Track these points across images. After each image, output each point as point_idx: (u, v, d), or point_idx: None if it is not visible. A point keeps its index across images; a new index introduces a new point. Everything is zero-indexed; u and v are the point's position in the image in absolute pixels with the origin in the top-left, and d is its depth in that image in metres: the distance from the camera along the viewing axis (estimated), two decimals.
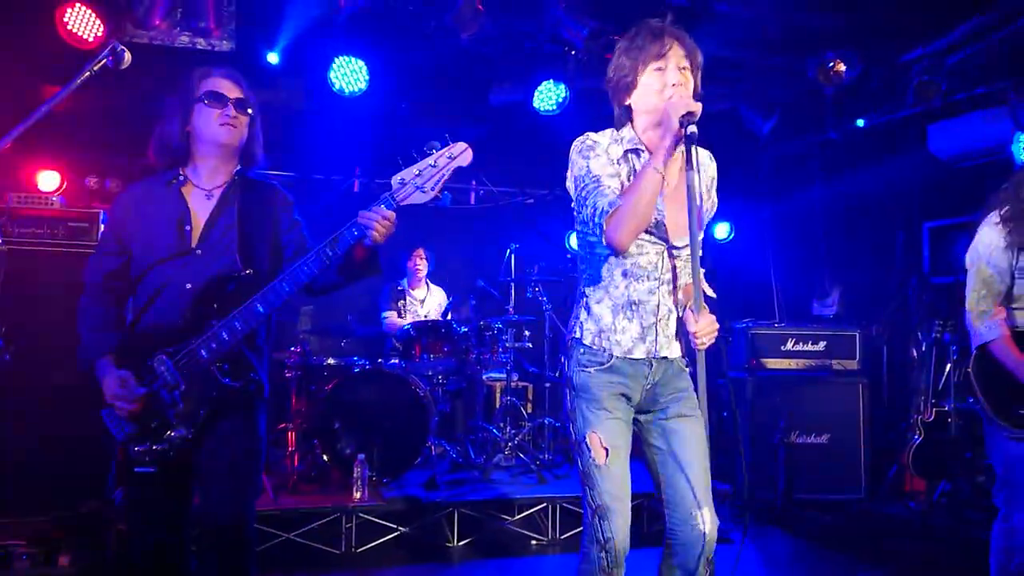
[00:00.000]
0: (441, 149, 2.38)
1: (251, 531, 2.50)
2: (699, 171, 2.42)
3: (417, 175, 2.37)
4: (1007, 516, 3.12)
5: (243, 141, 2.62)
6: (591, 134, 2.43)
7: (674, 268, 2.43)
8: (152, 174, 2.63)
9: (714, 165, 2.56)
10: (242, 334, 2.41)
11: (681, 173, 2.40)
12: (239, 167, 2.66)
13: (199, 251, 2.51)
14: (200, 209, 2.56)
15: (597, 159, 2.37)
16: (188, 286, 2.46)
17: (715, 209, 2.59)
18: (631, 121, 2.44)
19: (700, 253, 2.41)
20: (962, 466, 5.46)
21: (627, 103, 2.42)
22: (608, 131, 2.46)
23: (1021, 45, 4.92)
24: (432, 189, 2.36)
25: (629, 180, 2.36)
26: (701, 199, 2.41)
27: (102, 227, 4.67)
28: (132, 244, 2.54)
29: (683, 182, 2.37)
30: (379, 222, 2.37)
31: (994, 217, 3.14)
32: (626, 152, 2.40)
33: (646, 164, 2.26)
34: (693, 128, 2.18)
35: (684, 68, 2.34)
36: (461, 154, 2.38)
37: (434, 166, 2.36)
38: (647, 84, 2.35)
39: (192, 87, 2.55)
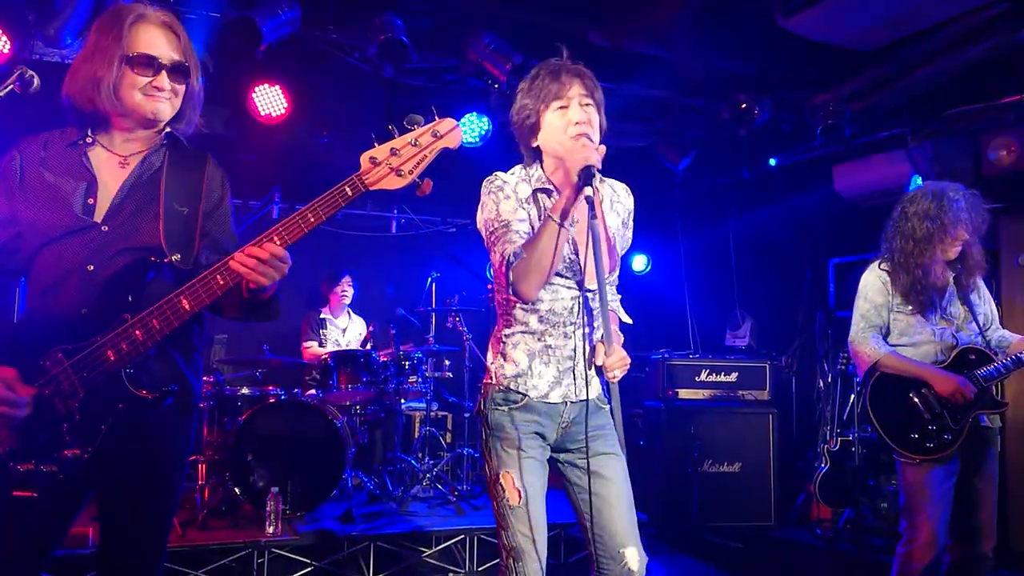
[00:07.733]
0: (425, 125, 1.97)
1: None
2: (613, 206, 2.47)
3: (392, 154, 1.94)
4: (908, 542, 3.24)
5: (173, 110, 2.15)
6: (500, 174, 2.40)
7: (590, 311, 2.40)
8: (58, 128, 2.16)
9: (631, 199, 2.55)
10: (161, 335, 1.94)
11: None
12: (167, 130, 2.19)
13: (105, 227, 2.04)
14: (110, 178, 2.10)
15: (507, 201, 2.33)
16: (90, 268, 2.00)
17: (629, 244, 2.59)
18: (540, 161, 2.43)
19: (610, 294, 2.45)
20: (865, 493, 5.68)
21: (534, 144, 2.40)
22: (517, 168, 2.44)
23: (918, 93, 5.23)
24: (410, 172, 1.95)
25: (539, 221, 2.33)
26: (612, 240, 2.43)
27: None
28: (22, 212, 2.06)
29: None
30: (257, 263, 1.92)
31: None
32: (535, 191, 2.38)
33: (546, 216, 2.19)
34: (588, 191, 2.07)
35: (587, 105, 2.32)
36: (449, 132, 1.97)
37: (415, 145, 1.95)
38: (551, 124, 2.32)
39: (121, 34, 2.04)
